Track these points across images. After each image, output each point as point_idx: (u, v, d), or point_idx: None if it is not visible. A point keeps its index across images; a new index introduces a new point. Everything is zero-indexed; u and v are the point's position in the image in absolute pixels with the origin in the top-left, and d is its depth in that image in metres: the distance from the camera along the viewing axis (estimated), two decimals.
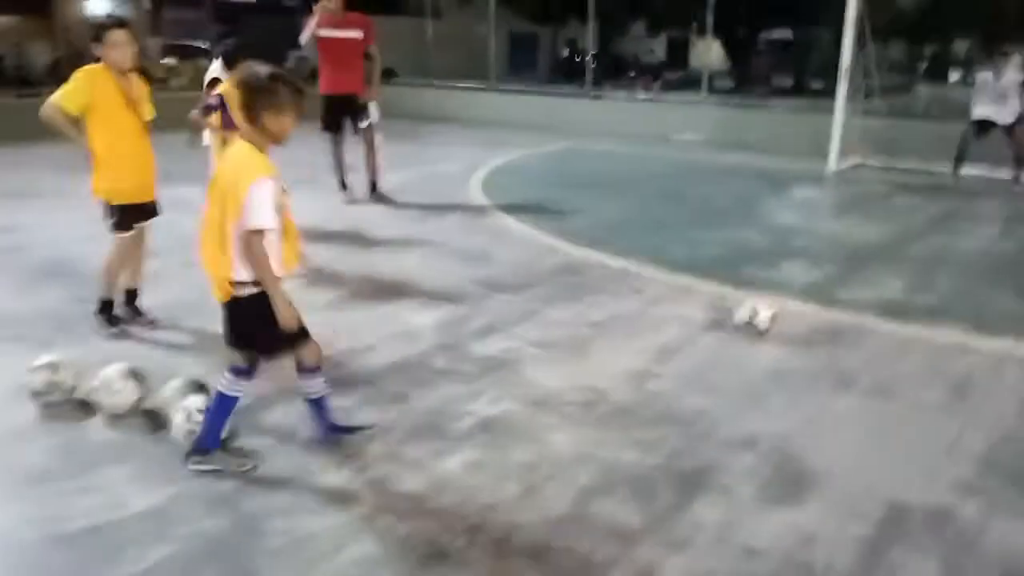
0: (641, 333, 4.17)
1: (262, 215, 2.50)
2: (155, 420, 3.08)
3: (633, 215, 7.16)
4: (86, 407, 3.17)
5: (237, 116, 2.64)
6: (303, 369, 2.85)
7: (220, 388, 2.75)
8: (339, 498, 2.63)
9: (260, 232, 2.52)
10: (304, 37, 7.07)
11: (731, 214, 7.18)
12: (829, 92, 9.90)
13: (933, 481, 2.79)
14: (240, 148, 2.59)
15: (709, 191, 8.25)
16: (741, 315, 4.16)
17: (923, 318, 4.44)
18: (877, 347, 4.04)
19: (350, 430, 3.01)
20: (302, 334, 2.75)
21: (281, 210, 2.63)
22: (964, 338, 4.14)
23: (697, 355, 3.89)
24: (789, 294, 4.77)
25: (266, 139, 2.59)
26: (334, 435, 2.96)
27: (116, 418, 3.11)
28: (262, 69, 2.60)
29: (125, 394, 3.11)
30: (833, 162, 9.45)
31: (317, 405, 2.93)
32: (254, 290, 2.60)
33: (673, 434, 3.09)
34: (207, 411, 2.81)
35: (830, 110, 9.61)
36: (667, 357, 3.84)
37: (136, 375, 3.17)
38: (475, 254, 5.63)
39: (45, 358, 3.26)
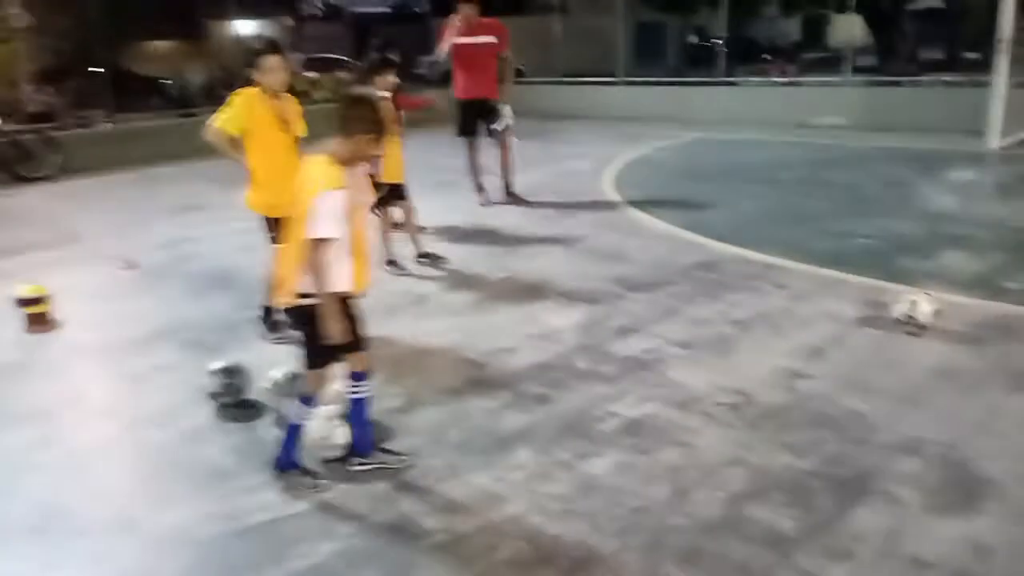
0: (788, 331, 4.02)
1: (324, 225, 2.54)
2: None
3: (773, 207, 6.91)
4: (256, 408, 3.40)
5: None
6: (351, 374, 2.86)
7: (288, 418, 2.85)
8: (490, 498, 2.70)
9: (323, 242, 2.55)
10: (442, 48, 7.28)
11: (881, 202, 6.79)
12: (985, 64, 9.17)
13: None
14: (315, 161, 2.67)
15: (855, 178, 7.83)
16: (898, 310, 3.93)
17: None
18: None
19: (385, 451, 2.96)
20: (352, 347, 2.75)
21: (354, 227, 2.66)
22: None
23: (851, 353, 3.72)
24: (951, 286, 4.46)
25: (352, 155, 2.66)
26: (365, 448, 2.92)
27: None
28: (364, 91, 2.71)
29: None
30: (994, 140, 8.74)
31: (358, 406, 2.90)
32: (309, 301, 2.64)
33: (829, 437, 2.97)
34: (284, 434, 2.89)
35: (987, 83, 8.90)
36: (818, 356, 3.69)
37: (298, 379, 3.36)
38: (611, 252, 5.61)
39: (219, 362, 3.53)
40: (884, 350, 3.73)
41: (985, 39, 9.18)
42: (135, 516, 2.73)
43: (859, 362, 3.62)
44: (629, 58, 16.91)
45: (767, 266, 5.10)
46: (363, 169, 2.85)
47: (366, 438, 2.94)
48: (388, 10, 24.06)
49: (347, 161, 2.68)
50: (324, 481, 2.83)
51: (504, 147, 7.46)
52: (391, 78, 5.31)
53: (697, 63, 21.42)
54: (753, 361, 3.69)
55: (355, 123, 2.66)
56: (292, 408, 2.85)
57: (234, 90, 4.09)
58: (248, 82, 4.08)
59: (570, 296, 4.73)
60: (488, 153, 7.57)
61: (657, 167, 9.38)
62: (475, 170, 7.54)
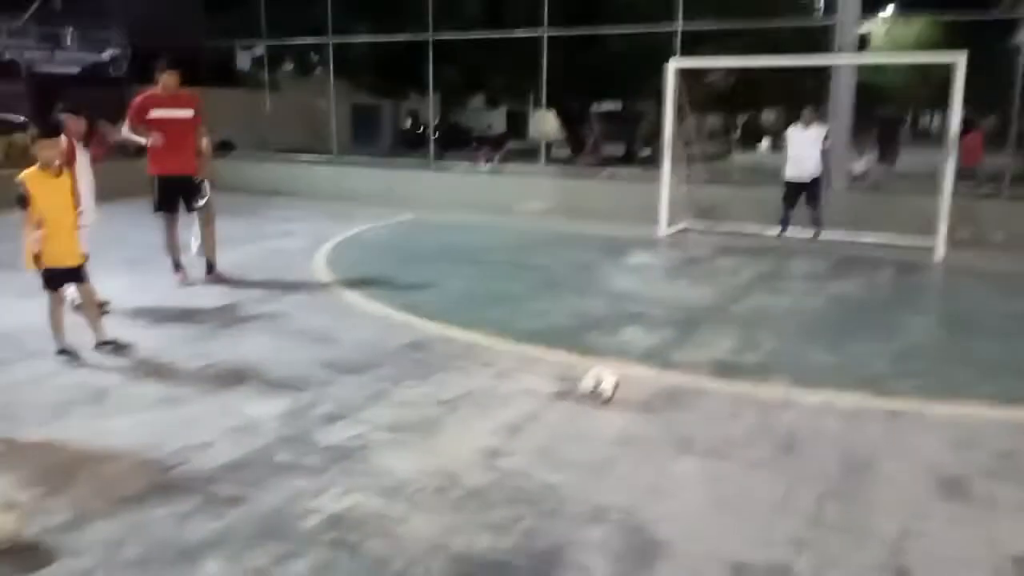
0: (491, 409, 4.17)
1: None
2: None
3: (479, 287, 7.25)
4: None
5: None
6: None
7: None
8: None
9: None
10: (129, 125, 6.74)
11: (572, 282, 7.43)
12: (657, 160, 10.59)
13: (769, 538, 2.93)
14: None
15: (551, 260, 8.50)
16: (585, 384, 4.27)
17: (750, 376, 4.74)
18: (711, 408, 4.25)
19: None
20: None
21: None
22: (787, 393, 4.44)
23: (546, 428, 3.94)
24: (630, 359, 4.96)
25: None
26: None
27: None
28: None
29: None
30: (662, 228, 10.05)
31: None
32: None
33: (526, 513, 3.09)
34: None
35: (658, 178, 10.26)
36: (517, 432, 3.86)
37: None
38: (319, 334, 5.48)
39: None
40: (574, 423, 4.01)
41: (654, 139, 10.62)
42: None
43: (553, 436, 3.84)
44: (343, 138, 17.11)
45: (473, 345, 5.29)
46: None
47: None
48: (78, 71, 22.01)
49: None
50: None
51: (206, 224, 7.08)
52: (62, 144, 4.84)
53: (410, 146, 22.22)
54: (458, 442, 3.76)
55: None
56: None
57: None
58: None
59: (274, 383, 4.51)
60: (188, 230, 7.13)
61: (368, 247, 9.45)
62: (173, 248, 7.04)
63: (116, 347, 4.94)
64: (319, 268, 7.86)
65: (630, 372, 4.63)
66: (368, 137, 22.04)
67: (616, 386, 4.22)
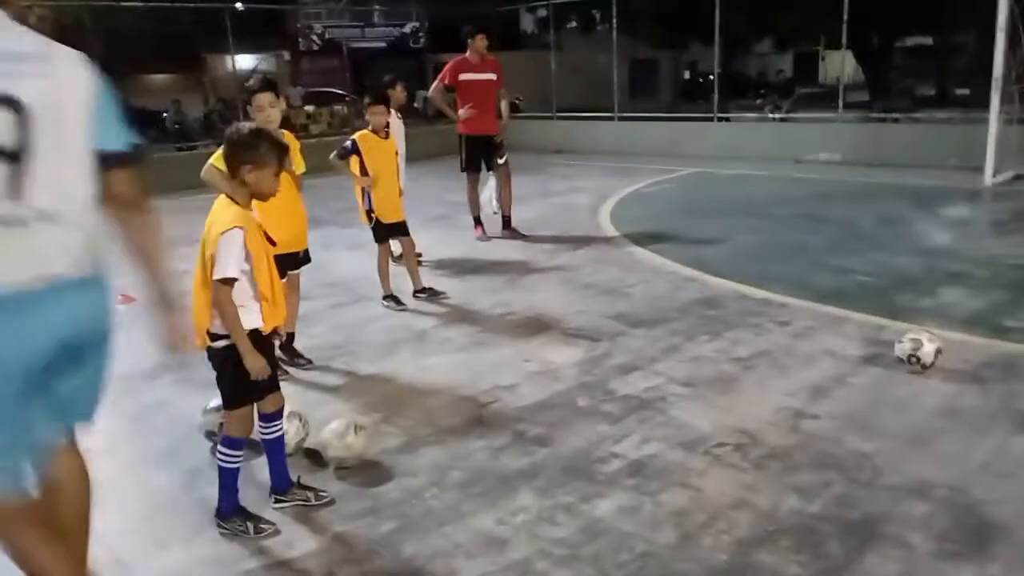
0: (791, 369, 4.00)
1: (226, 266, 2.53)
2: (316, 460, 3.22)
3: (770, 242, 6.92)
4: (256, 447, 3.33)
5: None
6: (262, 414, 2.83)
7: (218, 462, 2.78)
8: (493, 543, 2.65)
9: (226, 282, 2.54)
10: (440, 83, 7.36)
11: (878, 237, 6.81)
12: (977, 100, 9.28)
13: None
14: (219, 200, 2.66)
15: (851, 213, 7.85)
16: (901, 348, 3.90)
17: None
18: None
19: (301, 486, 2.96)
20: (270, 387, 2.75)
21: (259, 265, 2.64)
22: None
23: (855, 393, 3.69)
24: (952, 324, 4.45)
25: (246, 193, 2.65)
26: (283, 486, 2.93)
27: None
28: (245, 125, 2.71)
29: (290, 434, 3.24)
30: (989, 176, 8.81)
31: (272, 446, 2.91)
32: (225, 342, 2.62)
33: (835, 479, 2.93)
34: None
35: (980, 119, 8.99)
36: (821, 395, 3.66)
37: (298, 416, 3.32)
38: (610, 287, 5.60)
39: (215, 400, 3.47)
40: (887, 389, 3.71)
41: (974, 76, 9.31)
42: (127, 559, 2.67)
43: (863, 402, 3.59)
44: (624, 94, 17.10)
45: (767, 302, 5.09)
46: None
47: (283, 476, 2.93)
48: (384, 45, 24.29)
49: (245, 199, 2.66)
50: (267, 527, 2.77)
51: (504, 181, 7.50)
52: (387, 109, 5.34)
53: (691, 98, 21.65)
54: (756, 400, 3.66)
55: (239, 159, 2.64)
56: (219, 452, 2.79)
57: (231, 123, 4.08)
58: (245, 114, 4.08)
59: (570, 332, 4.70)
60: (486, 187, 7.61)
61: (653, 202, 9.42)
62: (475, 204, 7.56)
63: (431, 294, 5.45)
64: (605, 223, 8.00)
65: (953, 338, 4.17)
66: (647, 91, 21.83)
67: (938, 352, 3.82)
